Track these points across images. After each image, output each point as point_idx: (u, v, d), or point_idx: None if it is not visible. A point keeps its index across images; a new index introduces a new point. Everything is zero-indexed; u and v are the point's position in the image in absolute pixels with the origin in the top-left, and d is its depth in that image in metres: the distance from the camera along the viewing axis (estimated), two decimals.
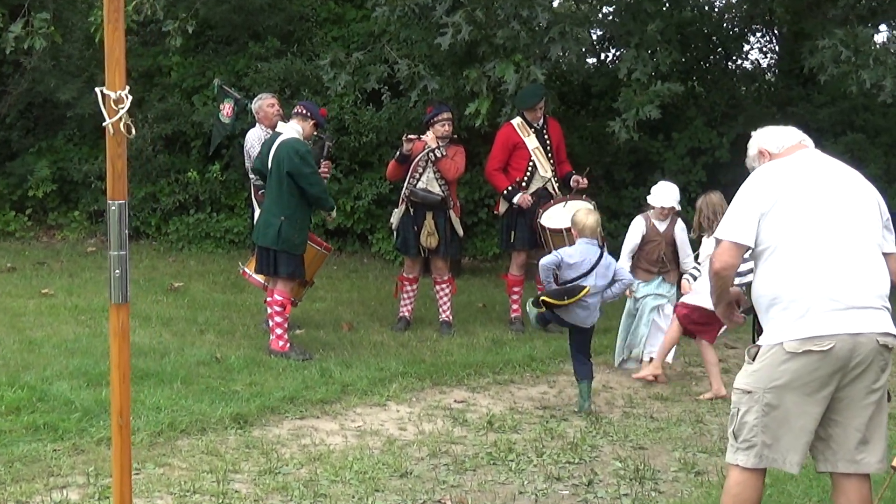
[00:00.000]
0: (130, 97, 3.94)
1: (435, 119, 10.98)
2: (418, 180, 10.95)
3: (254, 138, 10.83)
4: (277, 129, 10.06)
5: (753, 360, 4.84)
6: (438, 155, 10.86)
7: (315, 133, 10.18)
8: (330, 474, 6.59)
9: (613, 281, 8.51)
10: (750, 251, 4.90)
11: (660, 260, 9.63)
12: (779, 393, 4.69)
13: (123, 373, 4.11)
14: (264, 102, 11.00)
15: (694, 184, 15.63)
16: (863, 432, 4.74)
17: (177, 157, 17.19)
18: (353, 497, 6.23)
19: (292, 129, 9.79)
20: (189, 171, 16.69)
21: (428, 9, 13.07)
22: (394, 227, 11.35)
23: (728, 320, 5.43)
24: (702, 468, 6.91)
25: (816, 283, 4.70)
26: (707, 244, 9.00)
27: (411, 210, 11.01)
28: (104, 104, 3.91)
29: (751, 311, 5.16)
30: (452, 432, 7.66)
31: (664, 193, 9.68)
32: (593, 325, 8.68)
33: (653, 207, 9.69)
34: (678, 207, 9.75)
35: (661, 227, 9.63)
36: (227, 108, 12.39)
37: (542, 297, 8.38)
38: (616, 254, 9.21)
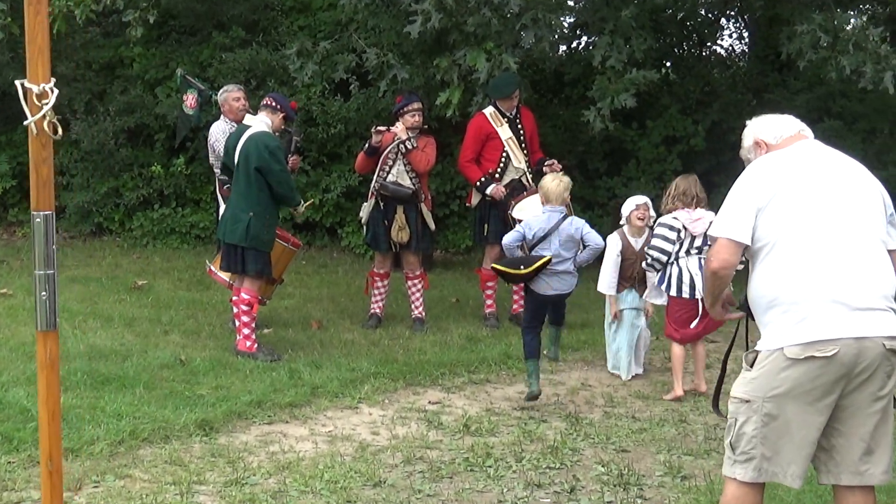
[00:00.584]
0: (56, 91, 3.54)
1: (404, 109, 10.70)
2: (388, 173, 10.67)
3: (218, 132, 10.52)
4: (245, 122, 9.77)
5: (751, 366, 4.55)
6: (409, 146, 10.59)
7: (283, 126, 9.88)
8: (299, 484, 6.32)
9: (584, 246, 8.25)
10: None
11: (633, 276, 9.36)
12: (779, 402, 4.41)
13: (53, 410, 3.63)
14: (230, 95, 10.69)
15: (669, 173, 15.44)
16: (868, 442, 4.46)
17: (140, 151, 16.86)
18: None
19: (261, 123, 9.50)
20: (153, 164, 16.34)
21: None
22: (363, 221, 11.06)
23: (722, 317, 5.14)
24: (688, 472, 6.67)
25: (818, 283, 4.43)
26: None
27: (381, 204, 10.73)
28: (26, 100, 3.53)
29: (745, 307, 4.86)
30: (427, 436, 7.39)
31: (634, 198, 9.48)
32: (565, 301, 8.44)
33: (627, 223, 9.40)
34: (653, 214, 9.41)
35: (637, 244, 9.34)
36: (190, 99, 12.06)
37: (493, 265, 8.16)
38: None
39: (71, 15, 13.40)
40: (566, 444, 7.23)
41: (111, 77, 17.22)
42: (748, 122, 5.11)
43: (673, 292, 8.66)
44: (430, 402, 8.30)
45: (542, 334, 8.53)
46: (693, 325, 8.55)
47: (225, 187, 10.03)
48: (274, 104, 9.65)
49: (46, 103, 3.52)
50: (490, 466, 6.73)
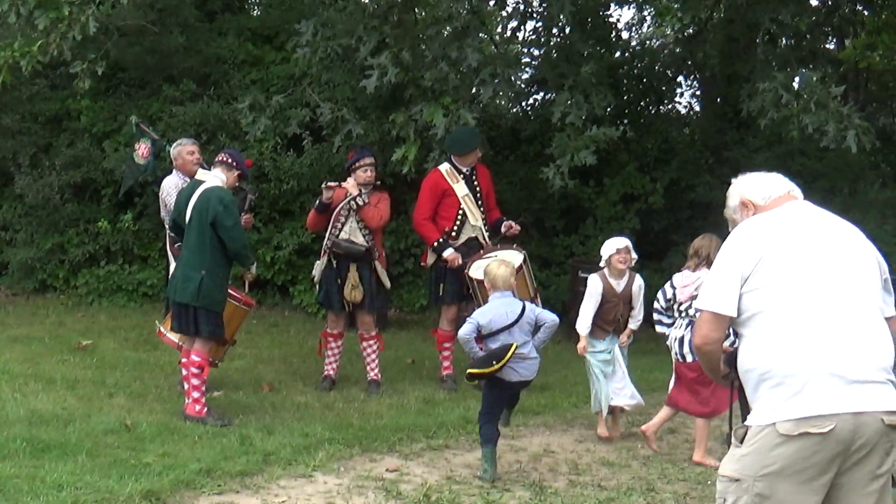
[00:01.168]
0: None
1: (356, 164, 10.45)
2: (340, 230, 10.40)
3: (170, 186, 10.25)
4: (198, 177, 9.47)
5: (741, 442, 4.27)
6: (360, 203, 10.33)
7: (237, 184, 9.59)
8: None
9: (538, 327, 7.98)
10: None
11: (615, 319, 9.13)
12: (771, 481, 4.13)
13: None
14: (184, 149, 10.41)
15: (627, 231, 15.31)
16: None
17: (86, 206, 16.50)
18: None
19: (215, 178, 9.21)
20: (100, 220, 16.01)
21: (351, 50, 12.70)
22: (316, 279, 10.79)
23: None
24: None
25: (813, 354, 4.17)
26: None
27: (334, 262, 10.47)
28: None
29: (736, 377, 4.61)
30: None
31: (615, 240, 9.24)
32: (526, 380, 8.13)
33: (606, 265, 9.16)
34: (634, 255, 9.21)
35: (619, 286, 9.12)
36: (142, 149, 11.78)
37: (469, 371, 7.83)
38: (551, 304, 8.65)
39: (16, 66, 13.12)
40: None
41: (58, 130, 16.88)
42: (733, 181, 4.87)
43: (675, 356, 8.46)
44: (387, 470, 7.97)
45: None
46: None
47: (175, 245, 9.73)
48: (229, 161, 9.36)
49: None
50: None
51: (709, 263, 8.36)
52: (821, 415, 4.08)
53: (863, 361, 4.18)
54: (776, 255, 4.35)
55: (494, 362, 7.72)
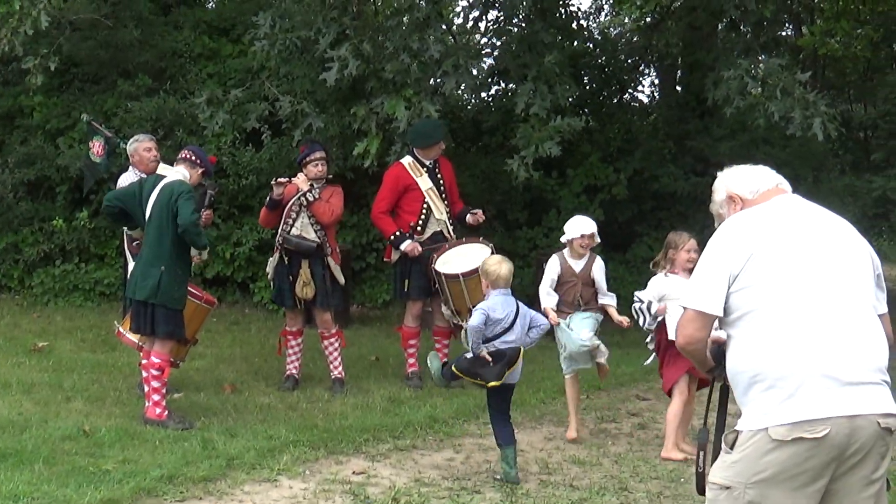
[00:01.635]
0: None
1: (307, 159, 10.26)
2: (291, 226, 10.20)
3: (126, 182, 9.99)
4: (159, 172, 9.23)
5: (732, 448, 4.08)
6: (311, 198, 10.13)
7: (200, 181, 9.36)
8: None
9: (530, 328, 7.82)
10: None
11: (576, 302, 8.92)
12: (763, 489, 3.94)
13: None
14: (140, 145, 10.15)
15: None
16: None
17: (41, 204, 16.20)
18: None
19: (177, 174, 8.98)
20: (55, 218, 15.70)
21: (311, 42, 12.53)
22: (269, 277, 10.63)
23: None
24: None
25: (805, 356, 4.00)
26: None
27: (286, 259, 10.28)
28: None
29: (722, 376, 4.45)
30: None
31: (581, 222, 9.00)
32: (514, 382, 7.96)
33: (567, 245, 8.98)
34: (598, 239, 8.99)
35: (577, 266, 8.92)
36: (96, 146, 11.52)
37: (492, 384, 7.55)
38: (516, 297, 8.40)
39: None
40: None
41: (10, 127, 16.61)
42: (719, 174, 4.69)
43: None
44: (354, 473, 7.77)
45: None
46: None
47: (134, 244, 9.53)
48: (193, 158, 9.13)
49: None
50: None
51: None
52: (815, 419, 3.91)
53: (857, 362, 4.02)
54: (766, 251, 4.18)
55: (508, 368, 7.54)
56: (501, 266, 7.84)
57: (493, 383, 7.54)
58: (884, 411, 3.98)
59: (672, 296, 8.41)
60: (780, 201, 4.43)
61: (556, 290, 8.94)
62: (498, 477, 7.68)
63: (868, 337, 4.09)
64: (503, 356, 7.52)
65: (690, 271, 7.97)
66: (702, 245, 6.40)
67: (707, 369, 4.55)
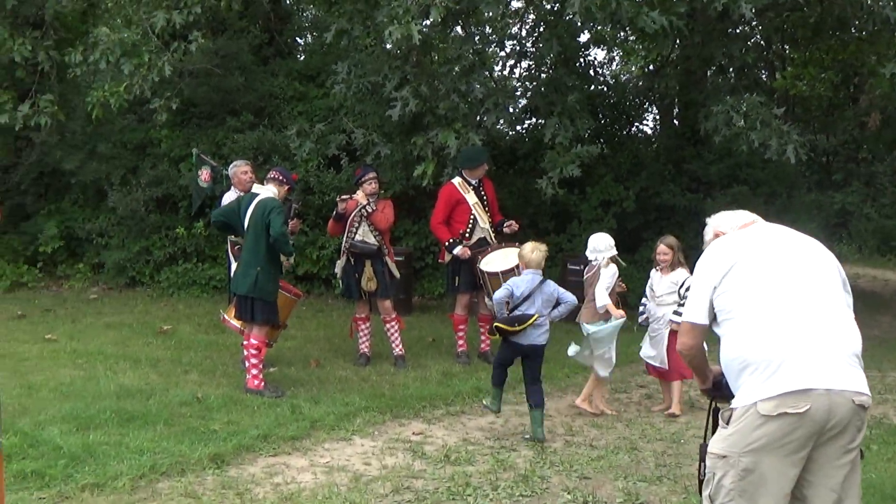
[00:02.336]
0: None
1: (363, 179, 10.13)
2: (355, 233, 10.06)
3: (229, 200, 9.87)
4: (254, 191, 9.14)
5: (728, 423, 3.85)
6: (370, 210, 10.01)
7: (286, 196, 9.25)
8: None
9: (558, 303, 7.66)
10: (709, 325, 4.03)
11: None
12: (755, 456, 3.72)
13: None
14: (238, 169, 10.05)
15: (606, 230, 14.91)
16: (838, 492, 3.77)
17: (167, 216, 16.18)
18: None
19: (268, 191, 8.89)
20: (177, 227, 15.74)
21: (379, 85, 12.43)
22: (338, 276, 10.50)
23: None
24: (645, 499, 6.01)
25: (786, 341, 3.77)
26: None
27: (352, 260, 10.16)
28: None
29: (712, 391, 4.25)
30: (413, 466, 6.71)
31: (591, 245, 8.59)
32: (543, 353, 7.75)
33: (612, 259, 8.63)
34: (599, 260, 8.41)
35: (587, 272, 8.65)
36: (205, 174, 11.47)
37: (496, 324, 7.58)
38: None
39: (107, 104, 12.85)
40: (535, 472, 6.56)
41: (142, 155, 16.58)
42: (707, 220, 4.51)
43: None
44: (413, 433, 7.61)
45: (512, 401, 7.87)
46: None
47: (236, 248, 9.42)
48: (280, 177, 9.06)
49: None
50: (469, 495, 6.06)
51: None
52: (796, 390, 3.66)
53: (833, 347, 3.77)
54: (743, 261, 3.97)
55: (517, 324, 7.49)
56: (533, 252, 7.75)
57: (512, 328, 7.53)
58: (857, 390, 3.74)
59: (653, 285, 8.48)
60: (756, 226, 4.23)
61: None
62: (527, 436, 7.51)
63: (842, 326, 3.84)
64: (522, 319, 7.49)
65: (660, 266, 8.44)
66: (690, 251, 6.23)
67: (704, 387, 4.34)
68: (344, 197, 10.16)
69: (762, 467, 3.72)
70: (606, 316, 8.29)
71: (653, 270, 8.54)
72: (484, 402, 7.80)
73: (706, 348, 4.20)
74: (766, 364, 3.75)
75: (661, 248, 8.42)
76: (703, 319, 4.01)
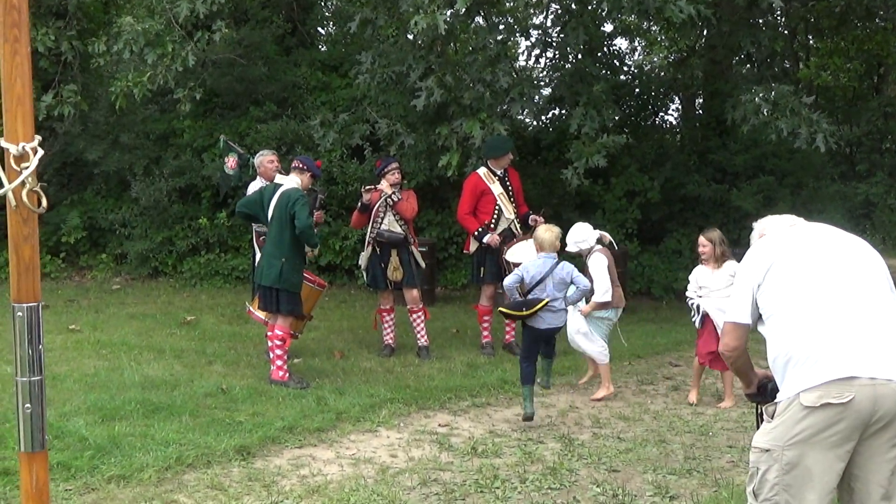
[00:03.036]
0: (40, 152, 2.28)
1: (386, 169, 10.08)
2: (381, 223, 10.02)
3: (255, 189, 9.83)
4: (277, 181, 9.09)
5: (772, 417, 3.73)
6: (395, 199, 9.97)
7: (310, 185, 9.19)
8: None
9: (572, 285, 7.59)
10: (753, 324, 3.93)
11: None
12: (799, 449, 3.60)
13: None
14: (264, 159, 10.01)
15: (630, 220, 14.98)
16: (885, 487, 3.63)
17: (189, 206, 16.22)
18: None
19: (292, 181, 8.84)
20: (200, 217, 15.78)
21: (403, 75, 12.37)
22: (363, 267, 10.41)
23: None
24: (675, 492, 5.91)
25: (829, 335, 3.65)
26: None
27: (378, 250, 10.11)
28: (2, 163, 2.28)
29: (756, 396, 4.18)
30: (440, 458, 6.63)
31: (570, 238, 8.74)
32: (555, 336, 7.71)
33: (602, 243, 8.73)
34: (574, 249, 8.67)
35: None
36: (231, 161, 11.42)
37: (500, 309, 7.64)
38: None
39: (130, 94, 12.82)
40: (563, 464, 6.48)
41: (165, 145, 16.60)
42: (754, 224, 4.44)
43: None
44: (439, 425, 7.54)
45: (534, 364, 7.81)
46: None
47: (261, 238, 9.37)
48: (302, 166, 8.99)
49: (27, 167, 2.27)
50: (497, 488, 5.99)
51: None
52: (840, 378, 3.54)
53: (877, 337, 3.64)
54: (786, 260, 3.85)
55: (524, 309, 7.44)
56: (546, 234, 7.72)
57: (518, 312, 7.53)
58: None
59: (701, 282, 8.22)
60: (798, 227, 4.13)
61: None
62: (539, 381, 7.72)
63: (887, 319, 3.70)
64: (530, 304, 7.43)
65: (703, 259, 8.30)
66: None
67: (748, 391, 4.24)
68: (368, 187, 10.12)
69: (807, 461, 3.59)
70: (604, 307, 8.47)
71: (699, 266, 8.38)
72: (538, 381, 7.79)
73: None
74: (809, 355, 3.64)
75: (701, 239, 8.34)
76: (746, 319, 3.90)
